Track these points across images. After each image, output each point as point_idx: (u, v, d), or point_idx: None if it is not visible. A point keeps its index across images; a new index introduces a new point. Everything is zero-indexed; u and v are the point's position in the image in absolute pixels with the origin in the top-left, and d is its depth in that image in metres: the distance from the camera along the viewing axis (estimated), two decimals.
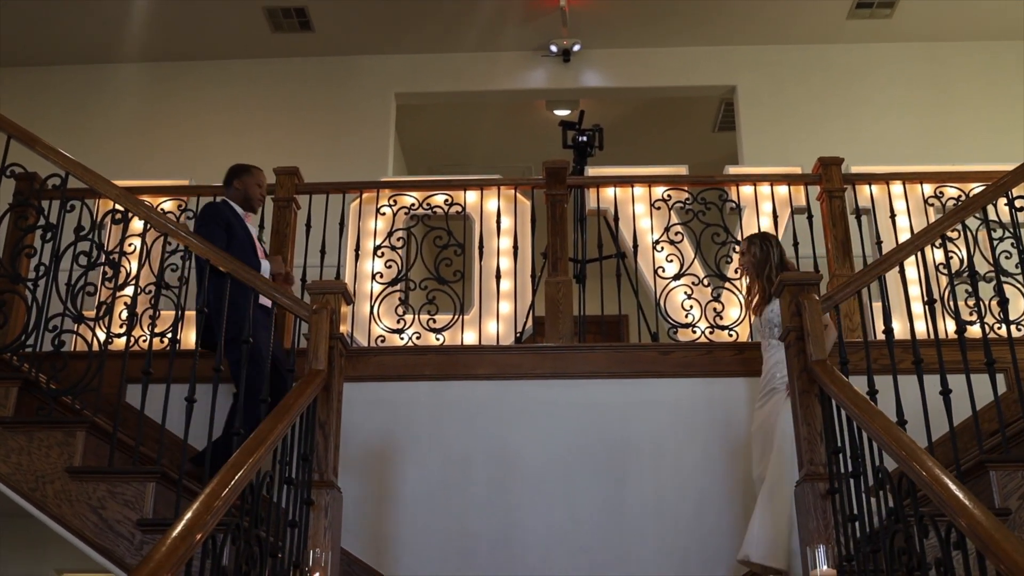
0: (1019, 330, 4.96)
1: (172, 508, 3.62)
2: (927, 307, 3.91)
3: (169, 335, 3.93)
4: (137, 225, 4.87)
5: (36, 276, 4.01)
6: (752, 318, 4.69)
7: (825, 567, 3.17)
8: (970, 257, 3.99)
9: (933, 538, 2.75)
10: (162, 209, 5.67)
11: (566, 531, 4.68)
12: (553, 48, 8.15)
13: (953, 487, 2.45)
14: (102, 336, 3.96)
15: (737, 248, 5.50)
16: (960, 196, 5.59)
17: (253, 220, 5.02)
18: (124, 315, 4.05)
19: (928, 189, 5.72)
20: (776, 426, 4.13)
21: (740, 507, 4.79)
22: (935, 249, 4.73)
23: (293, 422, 3.22)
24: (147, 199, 5.20)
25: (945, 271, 4.23)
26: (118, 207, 4.16)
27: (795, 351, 3.62)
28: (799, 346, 3.60)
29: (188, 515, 2.35)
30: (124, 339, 3.98)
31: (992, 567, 2.24)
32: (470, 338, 5.29)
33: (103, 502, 3.55)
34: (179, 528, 2.27)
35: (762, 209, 5.64)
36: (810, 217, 5.62)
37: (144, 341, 4.83)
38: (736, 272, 5.02)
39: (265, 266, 4.76)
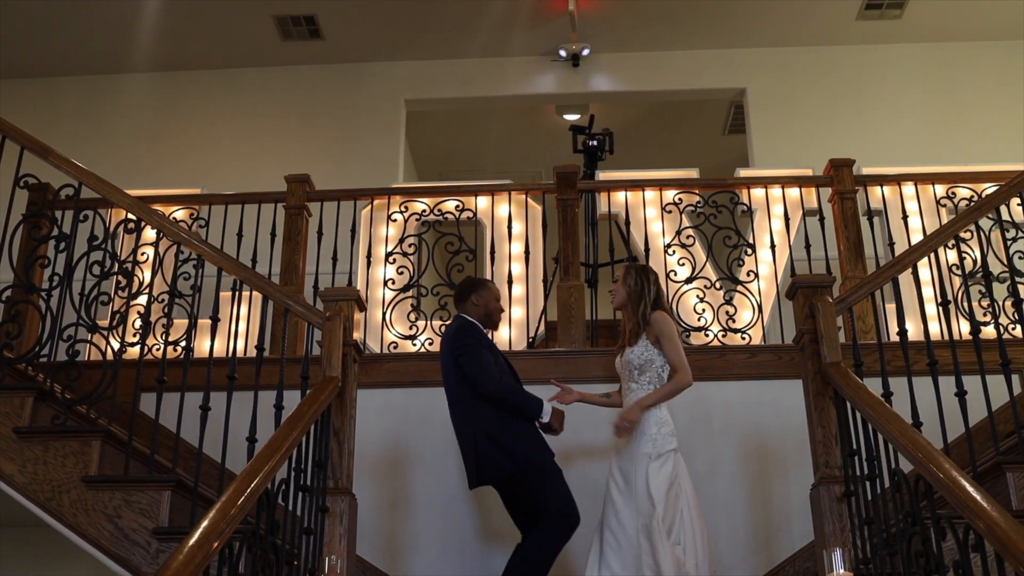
0: None
1: (188, 516, 3.62)
2: (941, 308, 3.88)
3: (183, 343, 3.94)
4: (150, 234, 4.89)
5: (50, 286, 4.02)
6: (616, 359, 4.32)
7: (842, 570, 3.16)
8: (984, 258, 3.97)
9: (950, 541, 2.74)
10: (174, 218, 5.69)
11: (580, 535, 4.66)
12: (562, 53, 8.16)
13: (970, 489, 2.44)
14: (116, 345, 3.97)
15: (749, 251, 5.50)
16: (972, 196, 5.58)
17: None
18: (138, 324, 4.07)
19: (940, 190, 5.70)
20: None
21: (759, 511, 4.78)
22: (948, 250, 4.73)
23: (308, 429, 3.22)
24: (159, 208, 5.22)
25: (959, 272, 4.21)
26: (131, 216, 4.17)
27: (809, 353, 3.61)
28: (813, 348, 3.59)
29: (204, 523, 2.35)
30: (138, 348, 3.99)
31: (1011, 569, 2.23)
32: None
33: (119, 511, 3.56)
34: (196, 536, 2.27)
35: (773, 212, 5.63)
36: (822, 219, 5.60)
37: (158, 350, 4.86)
38: (613, 300, 4.48)
39: (547, 407, 4.18)
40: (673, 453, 4.04)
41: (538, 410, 4.08)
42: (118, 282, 4.25)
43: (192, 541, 2.25)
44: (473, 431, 4.04)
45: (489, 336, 4.42)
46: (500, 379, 4.09)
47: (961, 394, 3.55)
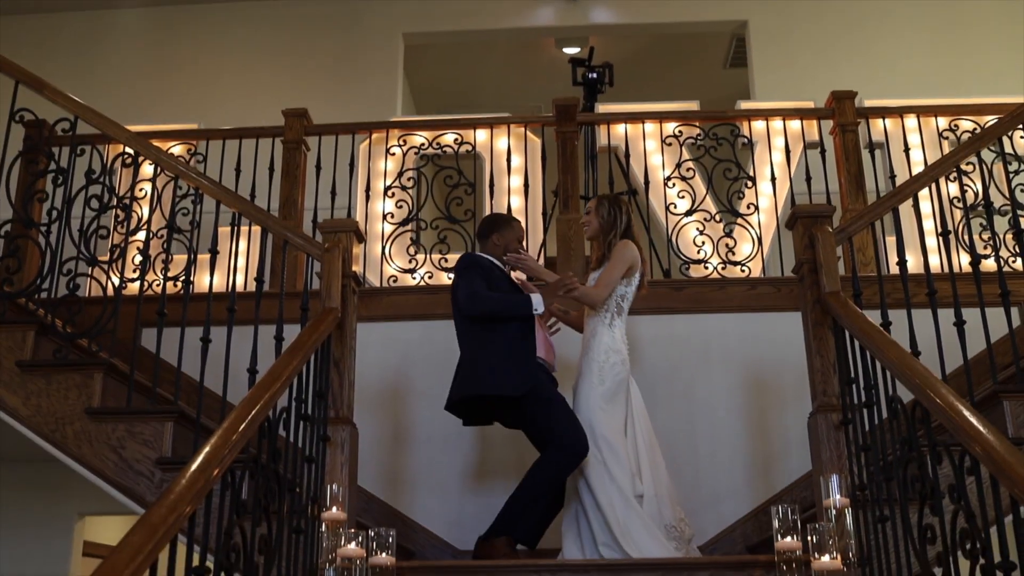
0: None
1: (190, 447, 3.66)
2: (941, 238, 3.87)
3: (182, 279, 3.94)
4: (147, 170, 4.87)
5: (49, 221, 4.01)
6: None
7: (838, 496, 3.19)
8: (985, 189, 3.96)
9: (946, 468, 2.77)
10: (171, 153, 5.65)
11: None
12: None
13: (967, 413, 2.45)
14: (116, 281, 3.97)
15: (750, 184, 5.48)
16: (975, 129, 5.53)
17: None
18: (137, 260, 4.07)
19: (943, 122, 5.66)
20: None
21: (757, 442, 4.82)
22: (949, 183, 4.71)
23: (308, 359, 3.23)
24: (156, 144, 5.18)
25: (960, 205, 4.19)
26: (128, 150, 4.15)
27: (808, 283, 3.61)
28: (812, 278, 3.59)
29: (207, 449, 2.37)
30: (137, 284, 3.99)
31: (1006, 491, 2.25)
32: None
33: (122, 442, 3.59)
34: (198, 461, 2.30)
35: (774, 144, 5.60)
36: (823, 152, 5.57)
37: (157, 286, 4.86)
38: (586, 231, 4.47)
39: (536, 299, 4.07)
40: (623, 389, 4.05)
41: (528, 305, 4.02)
42: (116, 216, 4.25)
43: (195, 466, 2.27)
44: (468, 357, 4.06)
45: (505, 273, 4.31)
46: (482, 295, 4.00)
47: (960, 324, 3.56)
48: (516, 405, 3.94)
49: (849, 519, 3.17)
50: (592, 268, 4.27)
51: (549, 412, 3.92)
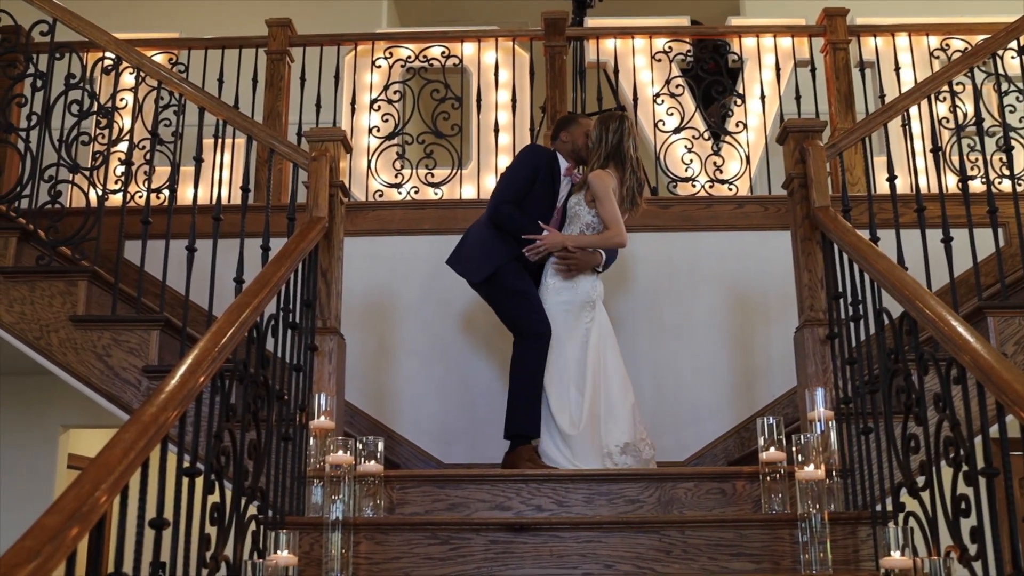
0: (1021, 184, 4.93)
1: (176, 356, 3.66)
2: (932, 154, 3.86)
3: (166, 191, 3.89)
4: (128, 80, 4.77)
5: (28, 126, 3.94)
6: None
7: (823, 409, 3.23)
8: (976, 107, 3.94)
9: (931, 380, 2.80)
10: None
11: None
12: None
13: (955, 323, 2.47)
14: (99, 191, 3.92)
15: (739, 102, 5.43)
16: (966, 48, 5.48)
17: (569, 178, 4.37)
18: (120, 171, 4.01)
19: (934, 41, 5.60)
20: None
21: (740, 360, 4.86)
22: (939, 103, 4.69)
23: (295, 267, 3.21)
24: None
25: (949, 126, 4.17)
26: (109, 55, 4.06)
27: (798, 198, 3.60)
28: (802, 193, 3.58)
29: (195, 351, 2.36)
30: (120, 196, 3.94)
31: (992, 398, 2.27)
32: (469, 192, 5.25)
33: (108, 350, 3.58)
34: (188, 362, 2.28)
35: (764, 62, 5.54)
36: (813, 70, 5.51)
37: (140, 198, 4.80)
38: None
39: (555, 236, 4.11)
40: (591, 316, 4.05)
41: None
42: (98, 123, 4.17)
43: (184, 367, 2.26)
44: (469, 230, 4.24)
45: (568, 171, 4.30)
46: (500, 205, 4.13)
47: (947, 240, 3.58)
48: (483, 288, 4.15)
49: (833, 432, 3.22)
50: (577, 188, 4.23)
51: (510, 303, 4.07)
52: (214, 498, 2.49)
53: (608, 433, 3.88)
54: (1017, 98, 4.54)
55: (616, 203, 4.05)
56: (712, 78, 5.53)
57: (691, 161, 5.26)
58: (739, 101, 5.44)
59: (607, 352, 4.02)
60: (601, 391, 3.94)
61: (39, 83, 3.97)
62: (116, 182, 4.84)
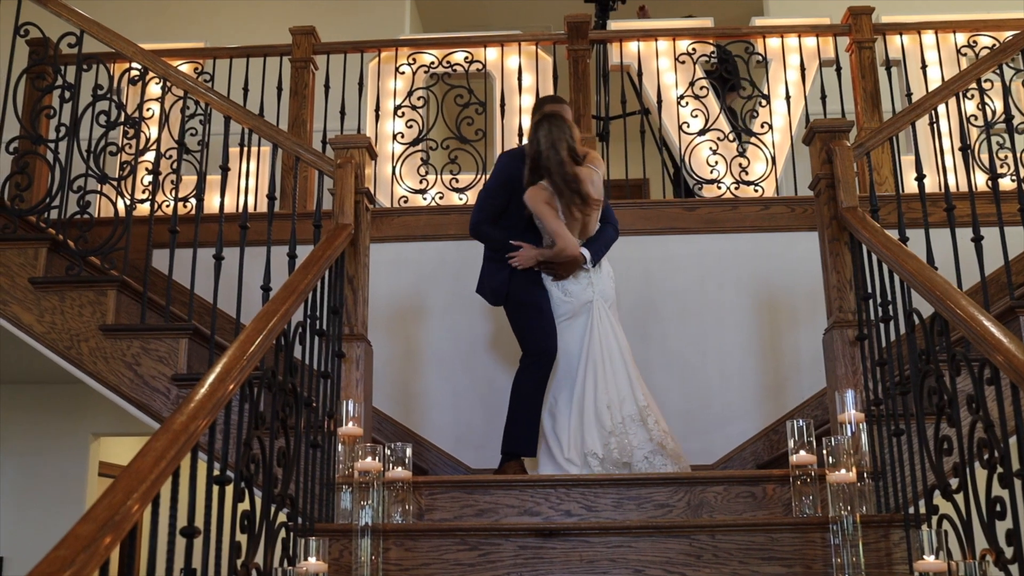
0: None
1: (205, 364, 3.68)
2: (960, 152, 3.83)
3: (193, 200, 3.91)
4: (155, 90, 4.81)
5: (57, 137, 3.97)
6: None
7: (853, 411, 3.20)
8: (1006, 105, 3.90)
9: (963, 380, 2.76)
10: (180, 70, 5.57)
11: None
12: None
13: (988, 323, 2.43)
14: (126, 201, 3.95)
15: (763, 103, 5.41)
16: (994, 45, 5.43)
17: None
18: (147, 180, 4.04)
19: (961, 38, 5.55)
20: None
21: (768, 363, 4.83)
22: (967, 100, 4.64)
23: (322, 274, 3.22)
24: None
25: (978, 123, 4.12)
26: (135, 66, 4.09)
27: (825, 199, 3.57)
28: (829, 193, 3.55)
29: (224, 359, 2.37)
30: (148, 205, 3.96)
31: None
32: None
33: (137, 359, 3.60)
34: (217, 370, 2.29)
35: (789, 62, 5.51)
36: (839, 69, 5.48)
37: (168, 207, 4.84)
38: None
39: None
40: (587, 318, 4.02)
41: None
42: (125, 132, 4.21)
43: (213, 375, 2.27)
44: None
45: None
46: (475, 226, 4.19)
47: (977, 239, 3.54)
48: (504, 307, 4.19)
49: (864, 434, 3.19)
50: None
51: (517, 317, 4.10)
52: (244, 506, 2.49)
53: (589, 437, 3.85)
54: None
55: (555, 215, 3.98)
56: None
57: (716, 163, 5.24)
58: (764, 102, 5.41)
59: (609, 353, 3.98)
60: (590, 395, 3.92)
61: (67, 94, 4.00)
62: (144, 191, 4.89)
